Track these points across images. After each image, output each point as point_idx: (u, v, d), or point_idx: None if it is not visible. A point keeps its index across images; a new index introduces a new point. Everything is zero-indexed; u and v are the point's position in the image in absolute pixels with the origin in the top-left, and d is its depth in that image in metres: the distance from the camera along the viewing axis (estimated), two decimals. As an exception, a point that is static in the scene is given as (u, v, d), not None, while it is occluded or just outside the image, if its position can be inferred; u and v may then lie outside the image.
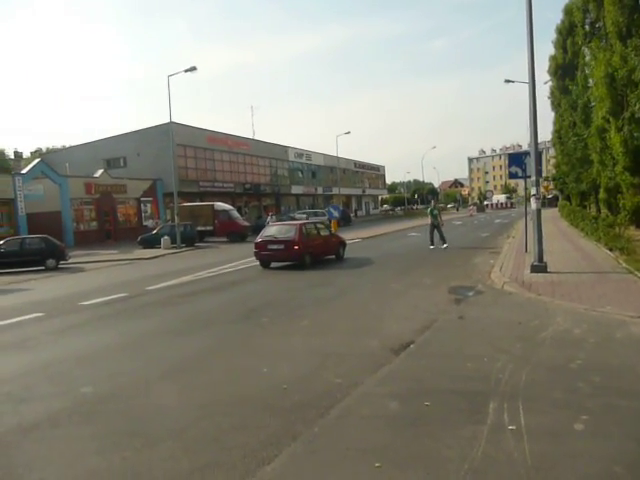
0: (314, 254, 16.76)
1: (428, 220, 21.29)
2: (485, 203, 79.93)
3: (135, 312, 10.61)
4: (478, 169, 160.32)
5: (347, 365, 6.13)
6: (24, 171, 33.60)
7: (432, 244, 20.35)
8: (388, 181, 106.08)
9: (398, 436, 4.20)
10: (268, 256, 16.56)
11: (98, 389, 5.77)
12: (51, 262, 20.86)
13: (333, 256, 18.11)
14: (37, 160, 35.82)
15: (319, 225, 18.87)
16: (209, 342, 7.75)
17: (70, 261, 22.16)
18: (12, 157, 56.35)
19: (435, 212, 20.66)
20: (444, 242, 20.14)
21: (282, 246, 16.17)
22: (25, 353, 7.68)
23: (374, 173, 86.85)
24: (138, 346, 7.79)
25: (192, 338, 8.03)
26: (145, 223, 36.99)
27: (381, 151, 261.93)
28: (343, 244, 18.86)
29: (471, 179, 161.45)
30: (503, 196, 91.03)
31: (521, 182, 18.70)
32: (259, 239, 16.88)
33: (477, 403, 4.72)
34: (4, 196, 30.60)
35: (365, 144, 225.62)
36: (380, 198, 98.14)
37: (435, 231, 20.54)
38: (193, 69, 28.52)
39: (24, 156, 59.26)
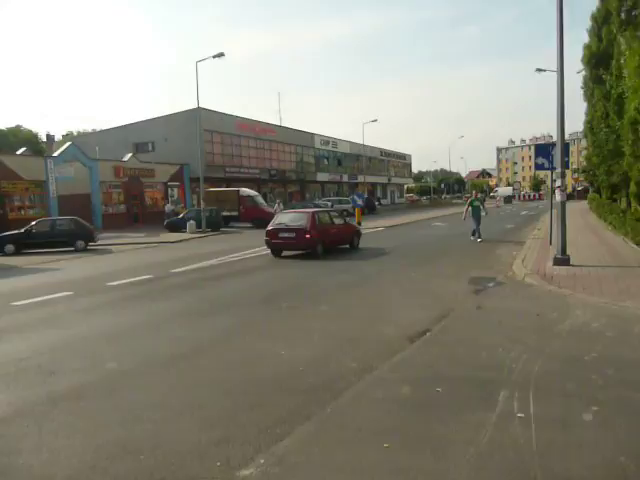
0: (327, 243, 16.38)
1: (464, 210, 19.87)
2: (492, 195, 78.75)
3: (160, 293, 10.90)
4: (507, 159, 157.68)
5: (363, 350, 6.25)
6: (56, 154, 34.33)
7: (479, 237, 18.93)
8: (414, 170, 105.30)
9: (408, 419, 4.32)
10: (279, 244, 16.18)
11: (122, 365, 6.01)
12: (80, 243, 21.43)
13: (347, 245, 17.83)
14: (68, 143, 36.53)
15: (333, 213, 18.58)
16: (230, 324, 7.95)
17: (98, 243, 22.73)
18: (44, 140, 57.52)
19: (476, 203, 19.35)
20: (474, 235, 19.07)
21: (293, 234, 15.77)
22: (54, 329, 8.02)
23: (400, 162, 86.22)
24: (161, 326, 8.03)
25: (214, 320, 8.25)
26: (168, 208, 37.14)
27: (408, 140, 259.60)
28: (358, 233, 18.62)
29: (499, 169, 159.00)
30: (510, 188, 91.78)
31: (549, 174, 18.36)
32: (270, 227, 16.47)
33: (488, 391, 4.80)
34: (36, 178, 31.39)
35: (392, 132, 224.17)
36: (406, 187, 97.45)
37: (476, 222, 19.11)
38: (221, 55, 28.66)
39: (56, 139, 60.50)
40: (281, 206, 33.75)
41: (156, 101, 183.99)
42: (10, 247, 20.60)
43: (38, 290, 11.44)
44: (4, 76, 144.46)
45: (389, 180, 79.86)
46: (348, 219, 22.60)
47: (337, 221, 17.75)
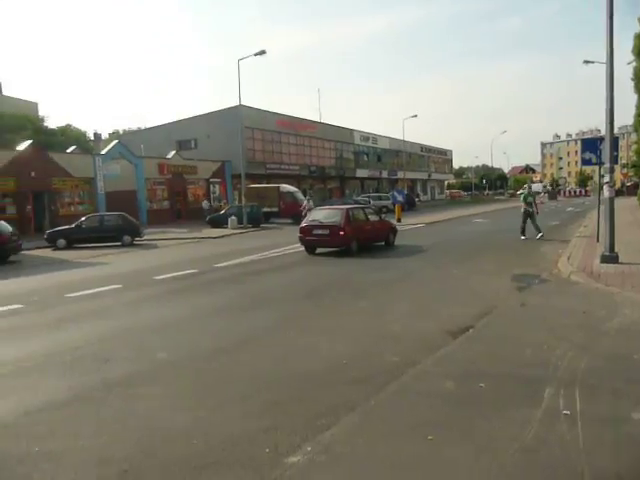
0: (361, 240, 16.10)
1: (521, 206, 19.06)
2: (520, 192, 76.62)
3: (204, 288, 11.19)
4: (551, 155, 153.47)
5: (405, 345, 6.29)
6: (103, 152, 35.49)
7: (524, 234, 18.22)
8: (455, 165, 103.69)
9: (451, 414, 4.34)
10: (313, 241, 16.01)
11: (171, 356, 6.23)
12: (127, 238, 22.13)
13: (382, 243, 17.51)
14: (115, 141, 37.66)
15: (367, 210, 18.34)
16: (272, 319, 8.09)
17: (144, 238, 23.40)
18: (92, 138, 59.46)
19: (530, 199, 18.63)
20: (539, 231, 18.15)
21: (327, 231, 15.55)
22: (105, 320, 8.36)
23: (441, 157, 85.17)
24: (205, 319, 8.26)
25: (257, 314, 8.42)
26: (205, 204, 37.74)
27: (449, 135, 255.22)
28: (393, 230, 18.19)
29: (543, 165, 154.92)
30: (540, 185, 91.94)
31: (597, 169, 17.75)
32: (304, 224, 16.37)
33: (533, 388, 4.77)
34: (85, 175, 32.55)
35: (432, 128, 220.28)
36: (446, 183, 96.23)
37: (529, 220, 18.32)
38: (262, 53, 28.95)
39: (103, 138, 62.44)
40: (311, 203, 33.39)
41: (199, 99, 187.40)
42: (62, 241, 21.50)
43: (89, 283, 11.91)
44: (55, 77, 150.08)
45: (429, 176, 79.01)
46: (384, 216, 22.42)
47: (372, 218, 17.48)
